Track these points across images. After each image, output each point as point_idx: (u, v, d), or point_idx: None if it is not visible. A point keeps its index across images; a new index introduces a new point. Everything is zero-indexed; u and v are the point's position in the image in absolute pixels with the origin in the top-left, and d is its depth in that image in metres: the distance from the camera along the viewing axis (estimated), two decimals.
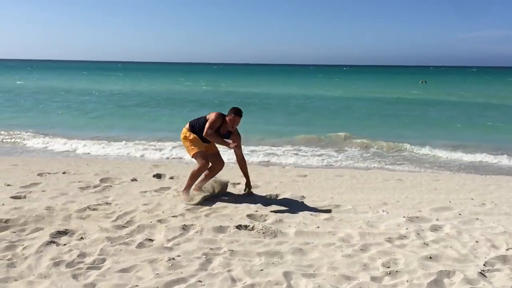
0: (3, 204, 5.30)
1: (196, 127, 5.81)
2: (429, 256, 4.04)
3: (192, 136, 5.80)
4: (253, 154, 10.95)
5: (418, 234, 4.62)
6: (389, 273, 3.71)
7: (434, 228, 4.83)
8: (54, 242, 4.19)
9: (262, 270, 3.72)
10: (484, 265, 3.89)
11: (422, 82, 58.90)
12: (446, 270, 3.75)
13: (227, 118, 5.68)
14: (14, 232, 4.42)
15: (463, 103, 28.36)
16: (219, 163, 6.04)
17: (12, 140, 12.82)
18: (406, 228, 4.79)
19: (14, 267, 3.69)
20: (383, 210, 5.49)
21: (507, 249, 4.24)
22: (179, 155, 10.59)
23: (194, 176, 5.81)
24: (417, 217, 5.20)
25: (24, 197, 5.71)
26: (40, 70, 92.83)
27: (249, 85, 45.88)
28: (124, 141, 12.55)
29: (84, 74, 73.21)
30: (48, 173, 7.21)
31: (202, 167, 5.76)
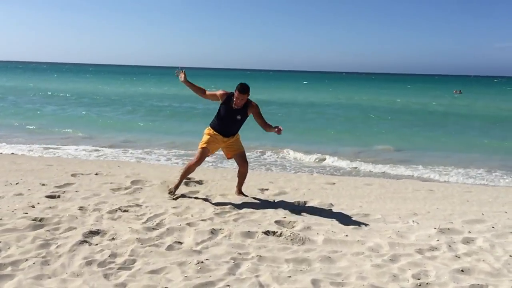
0: (38, 203, 5.46)
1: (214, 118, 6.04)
2: (461, 269, 3.95)
3: (206, 130, 6.05)
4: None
5: (450, 246, 4.53)
6: (419, 285, 3.65)
7: (466, 241, 4.72)
8: (86, 242, 4.28)
9: (290, 276, 3.71)
10: None
11: (456, 92, 57.61)
12: (478, 284, 3.66)
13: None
14: (49, 231, 4.54)
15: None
16: (242, 166, 6.15)
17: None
18: (437, 240, 4.70)
19: (48, 265, 3.79)
20: (413, 221, 5.40)
21: None
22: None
23: (185, 171, 6.15)
24: (448, 228, 5.09)
25: (58, 196, 5.86)
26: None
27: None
28: None
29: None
30: (82, 174, 7.38)
31: (193, 162, 6.02)
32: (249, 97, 5.83)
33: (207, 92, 6.01)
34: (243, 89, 5.71)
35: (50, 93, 35.94)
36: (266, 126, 5.85)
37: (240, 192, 6.32)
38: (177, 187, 6.17)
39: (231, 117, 5.86)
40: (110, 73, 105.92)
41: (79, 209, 5.28)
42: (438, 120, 24.15)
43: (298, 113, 25.69)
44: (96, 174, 7.43)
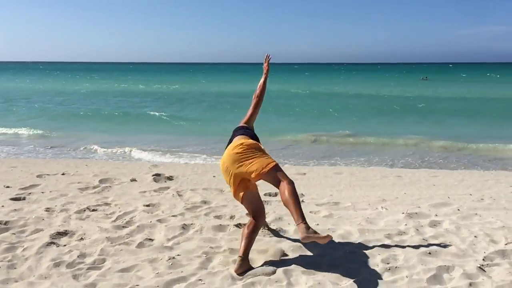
0: (3, 206, 5.31)
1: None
2: (428, 252, 4.05)
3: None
4: None
5: (417, 230, 4.64)
6: (389, 269, 3.72)
7: (433, 224, 4.84)
8: (54, 243, 4.19)
9: (262, 267, 3.73)
10: (483, 259, 3.90)
11: (423, 78, 58.51)
12: (445, 265, 3.76)
13: None
14: (14, 234, 4.42)
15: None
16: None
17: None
18: (405, 224, 4.80)
19: (15, 268, 3.70)
20: (382, 207, 5.50)
21: (506, 244, 4.26)
22: None
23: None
24: (416, 213, 5.21)
25: (24, 198, 5.71)
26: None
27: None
28: None
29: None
30: (48, 174, 7.21)
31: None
32: None
33: None
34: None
35: None
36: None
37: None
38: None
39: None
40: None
41: (46, 211, 5.16)
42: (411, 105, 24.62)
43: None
44: (63, 174, 7.27)
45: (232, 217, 5.01)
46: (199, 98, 30.43)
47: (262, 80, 4.50)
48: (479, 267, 3.73)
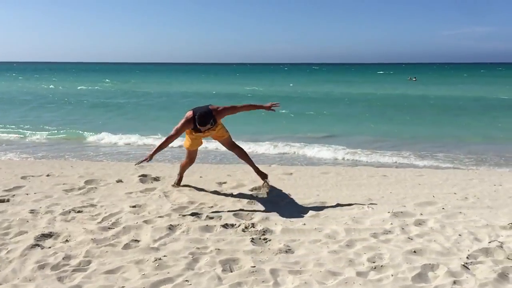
0: None
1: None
2: (413, 250, 4.09)
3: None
4: None
5: (403, 229, 4.68)
6: (375, 268, 3.76)
7: (418, 223, 4.89)
8: (38, 245, 4.15)
9: (250, 267, 3.73)
10: (467, 257, 3.96)
11: (411, 78, 58.40)
12: (430, 264, 3.80)
13: None
14: None
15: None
16: (234, 150, 6.25)
17: None
18: (391, 223, 4.84)
19: None
20: (368, 206, 5.54)
21: (489, 242, 4.32)
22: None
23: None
24: (401, 212, 5.25)
25: (8, 200, 5.64)
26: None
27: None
28: None
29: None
30: (32, 176, 7.12)
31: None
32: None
33: (173, 136, 5.52)
34: (199, 120, 5.40)
35: None
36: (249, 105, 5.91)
37: (259, 173, 6.24)
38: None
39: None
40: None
41: (30, 212, 5.10)
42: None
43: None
44: (48, 175, 7.19)
45: (219, 218, 5.00)
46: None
47: (257, 106, 5.92)
48: (463, 265, 3.79)
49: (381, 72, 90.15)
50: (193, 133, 5.79)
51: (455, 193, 6.29)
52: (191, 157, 6.22)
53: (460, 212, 5.30)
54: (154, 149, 5.52)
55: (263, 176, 6.28)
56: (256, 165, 6.33)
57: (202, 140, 6.15)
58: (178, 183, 6.48)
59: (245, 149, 6.37)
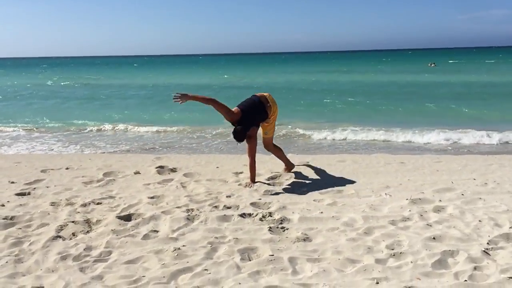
0: (8, 202, 5.34)
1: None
2: (432, 237, 4.06)
3: None
4: None
5: (421, 215, 4.65)
6: (393, 255, 3.74)
7: (437, 209, 4.85)
8: (60, 237, 4.23)
9: (268, 256, 3.75)
10: (487, 243, 3.92)
11: (431, 64, 57.55)
12: (450, 250, 3.77)
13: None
14: (20, 229, 4.46)
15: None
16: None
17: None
18: (409, 210, 4.81)
19: (22, 262, 3.74)
20: (386, 193, 5.50)
21: (510, 227, 4.26)
22: None
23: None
24: (420, 199, 5.21)
25: (29, 193, 5.75)
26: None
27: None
28: None
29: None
30: (52, 169, 7.23)
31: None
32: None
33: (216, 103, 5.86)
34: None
35: None
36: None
37: (287, 166, 6.71)
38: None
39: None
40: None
41: (51, 205, 5.20)
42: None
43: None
44: (67, 168, 7.30)
45: (236, 207, 5.02)
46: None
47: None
48: (484, 251, 3.75)
49: (389, 59, 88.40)
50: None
51: (474, 179, 6.21)
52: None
53: (480, 198, 5.23)
54: (201, 96, 5.92)
55: (290, 167, 6.66)
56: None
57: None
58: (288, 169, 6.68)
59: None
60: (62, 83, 39.63)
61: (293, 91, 25.72)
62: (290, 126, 13.22)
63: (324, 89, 27.11)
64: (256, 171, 6.43)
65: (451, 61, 68.05)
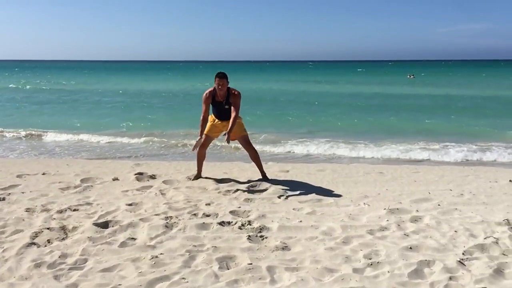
0: None
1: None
2: (409, 247, 4.11)
3: (210, 117, 6.66)
4: None
5: (399, 225, 4.70)
6: (371, 264, 3.77)
7: (414, 219, 4.91)
8: (34, 244, 4.14)
9: (246, 265, 3.73)
10: (463, 253, 3.98)
11: (410, 76, 58.67)
12: (426, 260, 3.82)
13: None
14: None
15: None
16: (247, 150, 6.79)
17: None
18: (387, 220, 4.86)
19: None
20: (364, 203, 5.55)
21: (485, 238, 4.34)
22: None
23: (197, 159, 6.82)
24: (397, 209, 5.27)
25: (3, 199, 5.62)
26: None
27: None
28: None
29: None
30: (28, 174, 7.10)
31: (200, 149, 6.63)
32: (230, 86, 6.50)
33: (203, 114, 6.50)
34: (220, 74, 6.39)
35: None
36: (232, 119, 6.32)
37: (263, 175, 6.81)
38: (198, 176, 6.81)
39: (220, 108, 6.51)
40: None
41: (26, 211, 5.09)
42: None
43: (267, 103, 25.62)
44: (44, 174, 7.17)
45: (215, 215, 5.00)
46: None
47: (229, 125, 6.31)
48: (459, 261, 3.80)
49: (360, 69, 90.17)
50: (215, 122, 6.61)
51: (450, 190, 6.32)
52: (206, 144, 6.64)
53: (456, 209, 5.32)
54: (200, 128, 6.51)
55: (266, 178, 6.77)
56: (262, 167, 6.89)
57: (218, 134, 6.78)
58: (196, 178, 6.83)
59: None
60: (27, 87, 39.18)
61: (254, 100, 25.23)
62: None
63: (290, 100, 26.99)
64: (236, 179, 6.43)
65: (423, 74, 69.00)
